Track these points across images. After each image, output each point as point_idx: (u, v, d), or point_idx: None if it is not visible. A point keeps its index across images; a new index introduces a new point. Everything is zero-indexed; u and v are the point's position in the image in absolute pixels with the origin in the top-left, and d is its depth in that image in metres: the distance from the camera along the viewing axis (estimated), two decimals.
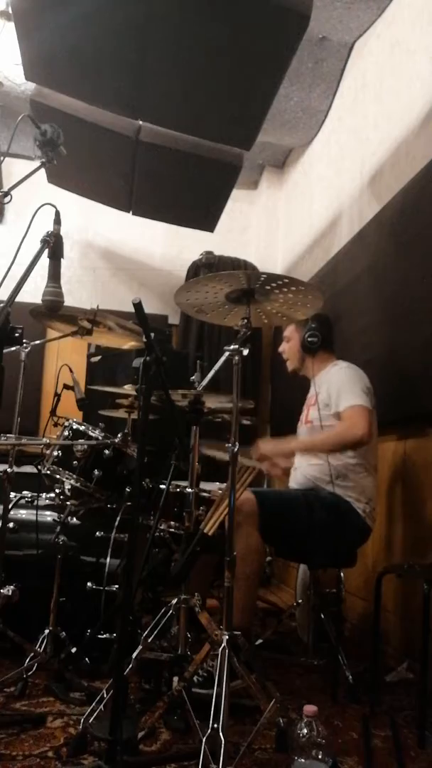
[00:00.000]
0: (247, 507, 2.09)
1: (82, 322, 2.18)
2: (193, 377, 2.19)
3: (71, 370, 2.36)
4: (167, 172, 3.94)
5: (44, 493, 2.47)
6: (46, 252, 1.54)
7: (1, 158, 3.87)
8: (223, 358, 1.77)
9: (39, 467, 2.33)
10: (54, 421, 2.34)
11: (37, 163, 1.61)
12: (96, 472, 2.26)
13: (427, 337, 2.39)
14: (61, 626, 2.11)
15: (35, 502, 2.42)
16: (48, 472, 2.30)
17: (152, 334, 1.56)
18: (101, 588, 2.25)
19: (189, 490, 1.99)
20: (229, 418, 1.88)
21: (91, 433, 2.32)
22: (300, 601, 2.65)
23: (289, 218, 4.87)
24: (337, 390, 2.33)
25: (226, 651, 1.56)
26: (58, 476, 2.28)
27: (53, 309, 1.54)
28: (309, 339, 2.50)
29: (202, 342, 4.60)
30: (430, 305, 2.38)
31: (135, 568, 1.70)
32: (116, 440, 2.29)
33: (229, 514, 1.69)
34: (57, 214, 1.58)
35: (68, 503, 2.27)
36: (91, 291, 4.92)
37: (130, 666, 1.75)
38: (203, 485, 2.16)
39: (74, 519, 2.41)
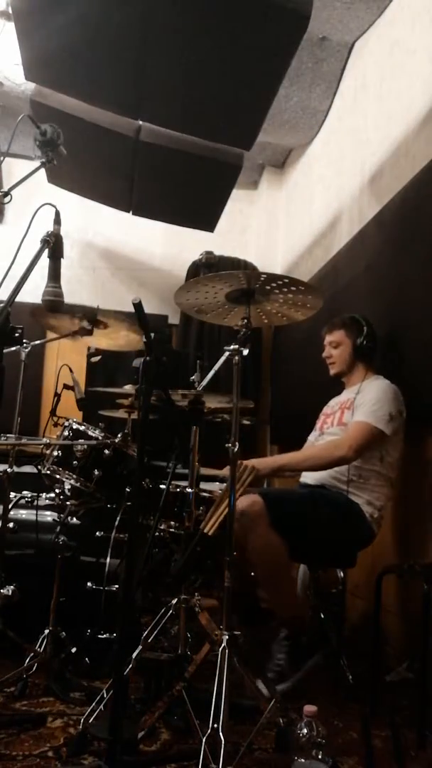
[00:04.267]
0: (255, 508, 2.08)
1: (82, 322, 2.18)
2: (193, 377, 2.19)
3: (71, 370, 2.36)
4: (167, 172, 3.94)
5: (44, 493, 2.47)
6: (46, 252, 1.54)
7: (1, 158, 3.87)
8: (223, 358, 1.77)
9: (39, 467, 2.33)
10: (54, 421, 2.34)
11: (37, 163, 1.61)
12: (96, 472, 2.26)
13: (427, 337, 2.39)
14: (61, 626, 2.11)
15: (35, 502, 2.42)
16: (48, 472, 2.30)
17: (152, 334, 1.56)
18: (101, 588, 2.25)
19: (189, 490, 1.99)
20: (229, 418, 1.88)
21: (91, 433, 2.32)
22: None
23: (289, 218, 4.87)
24: (363, 403, 2.32)
25: (226, 651, 1.56)
26: (58, 476, 2.28)
27: (53, 309, 1.54)
28: (367, 344, 2.47)
29: (202, 342, 4.60)
30: (430, 305, 2.38)
31: (135, 568, 1.70)
32: (116, 440, 2.29)
33: (229, 513, 1.69)
34: (57, 214, 1.58)
35: (68, 503, 2.26)
36: (91, 291, 4.91)
37: (130, 666, 1.75)
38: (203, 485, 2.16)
39: (74, 519, 2.41)
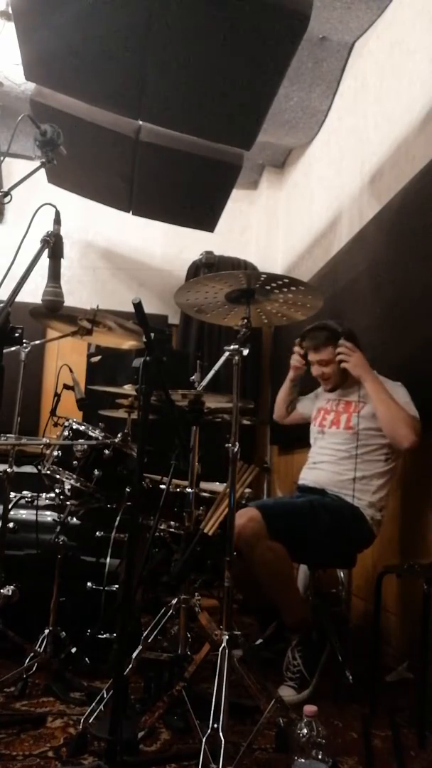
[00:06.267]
0: (254, 523, 2.08)
1: (82, 322, 2.18)
2: (193, 377, 2.19)
3: (71, 370, 2.36)
4: (167, 172, 3.94)
5: (44, 493, 2.47)
6: (46, 252, 1.54)
7: (1, 158, 3.87)
8: (223, 358, 1.77)
9: (39, 467, 2.33)
10: (54, 421, 2.34)
11: (37, 163, 1.61)
12: (96, 472, 2.26)
13: (427, 337, 2.39)
14: (61, 626, 2.11)
15: (35, 502, 2.42)
16: (48, 472, 2.30)
17: (152, 334, 1.56)
18: (101, 588, 2.25)
19: (189, 490, 1.99)
20: (229, 418, 1.88)
21: (91, 433, 2.32)
22: None
23: (289, 218, 4.87)
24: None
25: (226, 651, 1.56)
26: (58, 476, 2.28)
27: (53, 309, 1.54)
28: None
29: (202, 342, 4.60)
30: (430, 305, 2.38)
31: (135, 568, 1.70)
32: (116, 440, 2.29)
33: (229, 513, 1.69)
34: (57, 214, 1.58)
35: (68, 503, 2.27)
36: (91, 291, 4.92)
37: (130, 666, 1.75)
38: (203, 485, 2.16)
39: (74, 519, 2.41)
